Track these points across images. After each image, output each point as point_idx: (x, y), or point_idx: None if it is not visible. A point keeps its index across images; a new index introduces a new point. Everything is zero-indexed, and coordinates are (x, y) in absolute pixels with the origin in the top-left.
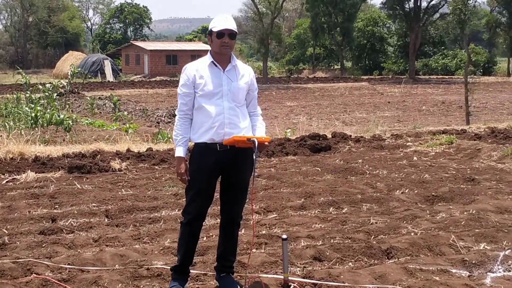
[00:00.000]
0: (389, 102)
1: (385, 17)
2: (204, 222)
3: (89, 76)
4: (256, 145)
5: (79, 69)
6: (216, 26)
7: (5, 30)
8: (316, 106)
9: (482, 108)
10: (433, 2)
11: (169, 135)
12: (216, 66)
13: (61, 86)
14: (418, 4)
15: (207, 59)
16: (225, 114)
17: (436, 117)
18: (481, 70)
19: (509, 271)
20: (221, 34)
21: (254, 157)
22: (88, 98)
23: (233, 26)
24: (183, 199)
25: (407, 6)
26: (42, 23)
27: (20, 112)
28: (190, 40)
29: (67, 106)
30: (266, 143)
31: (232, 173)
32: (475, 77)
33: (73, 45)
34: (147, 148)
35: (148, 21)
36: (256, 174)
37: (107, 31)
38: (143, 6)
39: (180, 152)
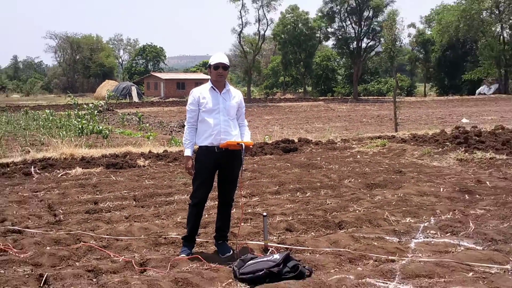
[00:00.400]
0: (339, 116)
1: (336, 54)
2: (206, 204)
3: (120, 98)
4: (243, 148)
5: (113, 93)
6: (213, 61)
7: (59, 65)
8: (286, 119)
9: (406, 120)
10: (370, 43)
11: (179, 141)
12: (214, 90)
13: (100, 105)
14: (359, 45)
15: (208, 85)
16: (221, 125)
17: (373, 127)
18: (405, 92)
19: (427, 237)
20: (217, 66)
21: (242, 156)
22: (120, 114)
23: (226, 60)
24: (190, 187)
25: (351, 46)
26: (86, 59)
27: (70, 124)
28: (194, 71)
29: (105, 120)
30: (251, 146)
31: (226, 168)
32: (401, 97)
33: (108, 76)
34: (163, 150)
35: (163, 57)
36: (243, 168)
37: (133, 65)
38: (159, 46)
39: (188, 152)
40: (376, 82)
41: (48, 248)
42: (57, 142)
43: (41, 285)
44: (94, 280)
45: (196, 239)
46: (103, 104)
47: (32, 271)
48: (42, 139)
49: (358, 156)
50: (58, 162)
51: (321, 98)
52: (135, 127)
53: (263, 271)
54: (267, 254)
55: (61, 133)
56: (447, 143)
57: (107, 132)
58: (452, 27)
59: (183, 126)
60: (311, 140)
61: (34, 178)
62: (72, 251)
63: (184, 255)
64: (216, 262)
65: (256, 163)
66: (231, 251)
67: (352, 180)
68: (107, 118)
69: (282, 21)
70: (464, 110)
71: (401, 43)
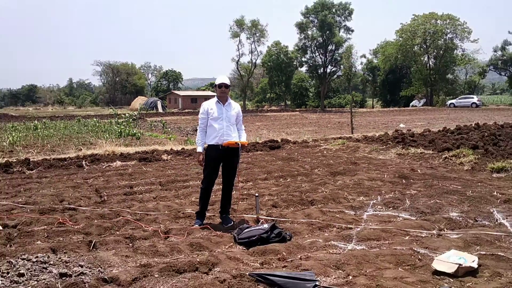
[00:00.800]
0: (310, 122)
1: (308, 77)
2: (213, 188)
3: (149, 110)
4: (240, 146)
5: (144, 106)
6: (217, 81)
7: (103, 85)
8: (272, 125)
9: (359, 125)
10: (333, 69)
11: (193, 141)
12: (219, 103)
13: (134, 115)
14: (325, 70)
15: (215, 99)
16: (224, 129)
17: (335, 130)
18: (359, 105)
19: (376, 211)
20: (220, 86)
21: (239, 152)
22: (149, 121)
23: (227, 81)
24: (202, 175)
25: (319, 71)
26: (123, 81)
27: (112, 129)
28: (204, 90)
29: (137, 126)
30: (246, 144)
31: (227, 160)
32: (355, 109)
33: (140, 93)
34: (181, 148)
35: (181, 79)
36: (240, 161)
37: (159, 85)
38: (178, 71)
39: (200, 149)
40: (337, 98)
41: (95, 221)
42: (102, 142)
43: (90, 248)
44: (130, 244)
45: (206, 214)
46: (136, 114)
47: (83, 238)
48: (91, 140)
49: (325, 152)
50: (103, 157)
51: (297, 109)
52: (160, 131)
53: (255, 237)
54: (259, 224)
55: (105, 136)
56: (389, 142)
57: (139, 135)
58: (392, 57)
59: (196, 130)
60: (290, 140)
61: (85, 169)
62: (113, 223)
63: (197, 225)
64: (221, 230)
65: (250, 157)
66: (232, 222)
67: (320, 169)
68: (139, 124)
69: (269, 52)
70: (401, 118)
71: (356, 69)
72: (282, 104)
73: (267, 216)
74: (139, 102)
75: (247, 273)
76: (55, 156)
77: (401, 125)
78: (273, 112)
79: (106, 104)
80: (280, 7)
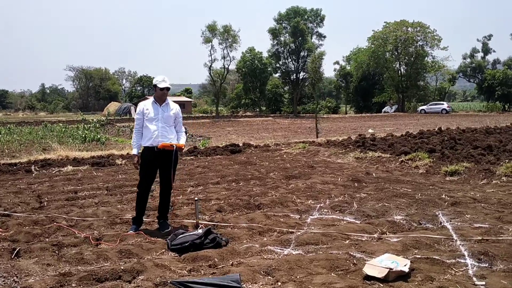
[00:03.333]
0: (281, 128)
1: (281, 83)
2: (150, 194)
3: (123, 115)
4: (176, 148)
5: (117, 111)
6: (160, 84)
7: (76, 90)
8: (243, 130)
9: (329, 130)
10: (305, 75)
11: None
12: (156, 103)
13: (101, 120)
14: (298, 76)
15: (151, 99)
16: (159, 130)
17: (304, 135)
18: (332, 111)
19: (321, 215)
20: (163, 89)
21: (175, 154)
22: (117, 126)
23: (169, 84)
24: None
25: (292, 77)
26: (97, 86)
27: (77, 134)
28: (179, 95)
29: (105, 131)
30: (182, 147)
31: (163, 163)
32: (322, 116)
33: (114, 98)
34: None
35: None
36: (195, 166)
37: (133, 90)
38: (153, 77)
39: (134, 152)
40: (311, 103)
41: (26, 228)
42: (56, 147)
43: (12, 256)
44: (56, 252)
45: (144, 219)
46: (104, 119)
47: (8, 246)
48: (52, 145)
49: (284, 156)
50: (55, 162)
51: (271, 115)
52: (128, 136)
53: (188, 243)
54: (196, 229)
55: (69, 141)
56: (350, 146)
57: (104, 140)
58: (364, 64)
59: None
60: (252, 144)
61: (33, 174)
62: (45, 229)
63: (131, 231)
64: (156, 236)
65: (208, 162)
66: (169, 228)
67: (276, 173)
68: (108, 130)
69: (243, 58)
70: (371, 124)
71: (322, 74)
72: (257, 110)
73: (209, 221)
74: (111, 108)
75: (169, 281)
76: (4, 161)
77: (370, 130)
78: (247, 118)
79: (79, 110)
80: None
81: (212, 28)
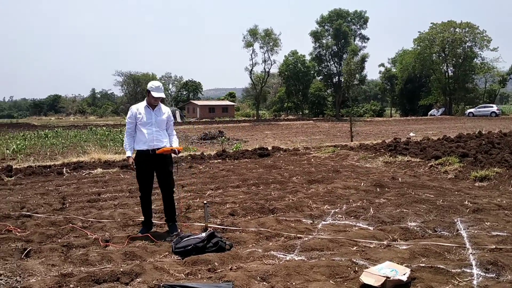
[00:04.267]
0: (320, 131)
1: (323, 86)
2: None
3: None
4: (177, 152)
5: None
6: (154, 92)
7: (124, 95)
8: (281, 133)
9: (369, 134)
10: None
11: (195, 149)
12: (149, 108)
13: None
14: (339, 79)
15: (144, 103)
16: (153, 134)
17: (343, 138)
18: (376, 114)
19: (334, 220)
20: (157, 98)
21: (173, 156)
22: None
23: (163, 94)
24: (177, 183)
25: (334, 80)
26: (144, 91)
27: (117, 137)
28: (222, 99)
29: None
30: (181, 150)
31: (160, 167)
32: (369, 118)
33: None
34: None
35: (201, 89)
36: (220, 169)
37: (179, 95)
38: (198, 81)
39: (129, 153)
40: (355, 106)
41: (42, 228)
42: (90, 149)
43: (22, 256)
44: (64, 253)
45: (155, 222)
46: None
47: (21, 246)
48: (93, 148)
49: (312, 160)
50: (87, 164)
51: (314, 118)
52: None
53: (190, 246)
54: (201, 233)
55: (109, 144)
56: (381, 150)
57: None
58: (410, 66)
59: (201, 138)
60: (282, 148)
61: (64, 176)
62: (59, 230)
63: (140, 234)
64: (163, 239)
65: (234, 165)
66: (178, 231)
67: (299, 177)
68: None
69: (286, 62)
70: (415, 127)
71: (358, 76)
72: (300, 113)
73: (219, 225)
74: None
75: (161, 284)
76: (40, 164)
77: (411, 134)
78: (288, 122)
79: (127, 114)
80: (295, 17)
81: (253, 32)
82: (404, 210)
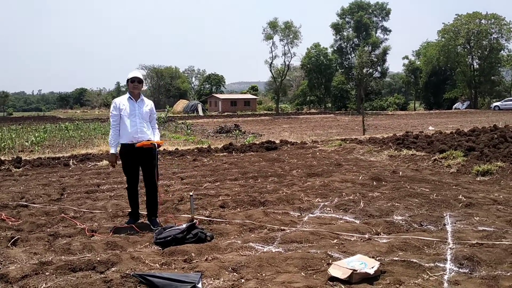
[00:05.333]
0: (339, 125)
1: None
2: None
3: (190, 113)
4: (156, 146)
5: (185, 109)
6: (130, 75)
7: (148, 88)
8: (298, 127)
9: (387, 128)
10: (369, 71)
11: (208, 142)
12: (131, 99)
13: (162, 117)
14: (360, 71)
15: (126, 95)
16: (137, 126)
17: (359, 132)
18: (400, 107)
19: (322, 213)
20: (133, 80)
21: (155, 152)
22: (179, 123)
23: (139, 75)
24: (178, 175)
25: (355, 73)
26: (167, 85)
27: None
28: (244, 93)
29: (164, 128)
30: (161, 144)
31: (144, 161)
32: (391, 112)
33: (183, 96)
34: (175, 148)
35: (223, 82)
36: (223, 162)
37: (202, 88)
38: (220, 75)
39: (112, 150)
40: (378, 100)
41: (35, 218)
42: (98, 142)
43: (9, 244)
44: (49, 242)
45: (140, 213)
46: (164, 116)
47: (11, 235)
48: (95, 140)
49: (317, 153)
50: (94, 156)
51: (336, 112)
52: (184, 132)
53: (170, 237)
54: (183, 224)
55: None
56: (390, 143)
57: None
58: (434, 58)
59: (217, 132)
60: (290, 142)
61: (70, 168)
62: (49, 220)
63: (126, 224)
64: (148, 230)
65: (238, 158)
66: (159, 226)
67: (299, 170)
68: (167, 127)
69: (308, 55)
70: (436, 121)
71: (371, 69)
72: (322, 107)
73: (206, 217)
74: (180, 105)
75: (131, 274)
76: (49, 155)
77: (430, 128)
78: (309, 115)
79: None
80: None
81: (273, 25)
82: (396, 204)
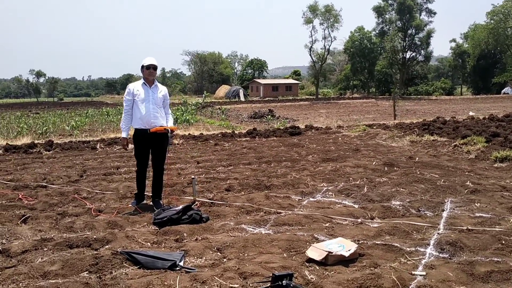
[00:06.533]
0: (377, 110)
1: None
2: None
3: (232, 98)
4: (169, 131)
5: (226, 94)
6: (146, 62)
7: (191, 74)
8: (336, 112)
9: (425, 113)
10: (412, 54)
11: (241, 127)
12: (146, 85)
13: (200, 103)
14: (404, 56)
15: (141, 81)
16: (151, 111)
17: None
18: (446, 92)
19: (323, 197)
20: (149, 67)
21: (168, 137)
22: (216, 108)
23: (155, 62)
24: (195, 159)
25: (398, 57)
26: (210, 70)
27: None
28: (286, 78)
29: (201, 113)
30: (175, 130)
31: (155, 146)
32: (436, 97)
33: (226, 82)
34: (199, 133)
35: (266, 67)
36: (243, 146)
37: (244, 73)
38: (263, 59)
39: (124, 135)
40: (424, 84)
41: (50, 198)
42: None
43: (19, 222)
44: (56, 220)
45: (145, 195)
46: (201, 102)
47: (24, 213)
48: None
49: (339, 139)
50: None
51: (380, 96)
52: (220, 117)
53: (166, 218)
54: (175, 206)
55: None
56: (415, 129)
57: (192, 121)
58: (483, 42)
59: (251, 117)
60: (315, 127)
61: (96, 151)
62: (61, 200)
63: (131, 205)
64: (150, 211)
65: (258, 143)
66: (162, 206)
67: (315, 155)
68: (204, 112)
69: (351, 38)
70: (481, 106)
71: (401, 53)
72: (365, 91)
73: (209, 199)
74: (222, 91)
75: (119, 251)
76: (80, 139)
77: (471, 113)
78: (349, 100)
79: (194, 93)
80: None
81: (313, 9)
82: (401, 190)
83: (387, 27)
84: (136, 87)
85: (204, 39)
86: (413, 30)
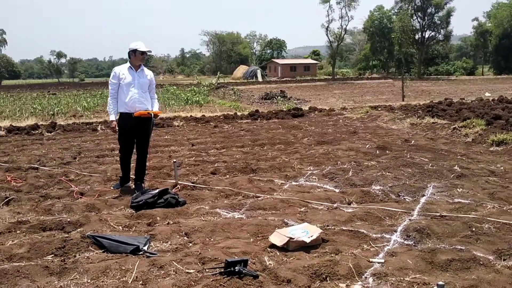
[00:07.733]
0: (392, 91)
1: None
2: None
3: (249, 79)
4: (153, 115)
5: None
6: (139, 48)
7: (210, 54)
8: (350, 93)
9: (441, 93)
10: (431, 34)
11: (245, 108)
12: (132, 69)
13: (213, 84)
14: (423, 35)
15: (127, 64)
16: (136, 96)
17: (407, 98)
18: (468, 72)
19: (306, 181)
20: (143, 52)
21: (152, 121)
22: (229, 89)
23: (148, 48)
24: (191, 141)
25: (416, 36)
26: (229, 50)
27: (183, 96)
28: (306, 58)
29: (213, 94)
30: (159, 114)
31: (140, 130)
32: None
33: (244, 62)
34: (201, 115)
35: (285, 47)
36: (241, 129)
37: (263, 54)
38: (282, 39)
39: (112, 117)
40: (445, 64)
41: (37, 180)
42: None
43: (1, 204)
44: (37, 202)
45: (130, 178)
46: (214, 83)
47: (9, 195)
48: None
49: (340, 121)
50: None
51: (399, 77)
52: (231, 98)
53: (142, 201)
54: (156, 189)
55: (170, 103)
56: (419, 111)
57: (203, 102)
58: (506, 20)
59: (262, 98)
60: (318, 108)
61: (97, 133)
62: (47, 182)
63: (114, 188)
64: (130, 194)
65: (257, 125)
66: (144, 189)
67: (310, 138)
68: (217, 93)
69: (371, 17)
70: (499, 86)
71: (443, 32)
72: (384, 71)
73: (193, 183)
74: (240, 71)
75: (86, 235)
76: (83, 120)
77: (487, 94)
78: (365, 80)
79: (212, 73)
80: None
81: None
82: (387, 174)
83: (406, 5)
84: (122, 70)
85: (223, 18)
86: (433, 9)
